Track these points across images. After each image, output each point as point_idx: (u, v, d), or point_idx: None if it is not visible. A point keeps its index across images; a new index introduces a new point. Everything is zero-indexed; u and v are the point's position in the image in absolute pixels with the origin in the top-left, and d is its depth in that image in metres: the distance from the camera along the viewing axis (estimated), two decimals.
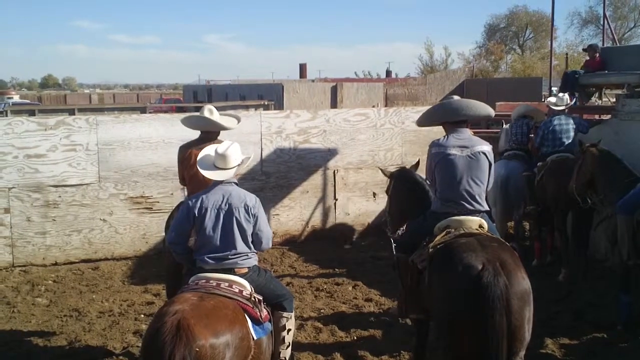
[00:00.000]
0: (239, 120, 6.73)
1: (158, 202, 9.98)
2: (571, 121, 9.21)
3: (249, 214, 4.74)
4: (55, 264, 9.45)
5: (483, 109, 5.47)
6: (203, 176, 5.20)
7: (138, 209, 9.92)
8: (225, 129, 6.36)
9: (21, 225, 9.32)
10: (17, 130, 9.26)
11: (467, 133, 5.41)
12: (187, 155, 6.14)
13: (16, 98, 45.95)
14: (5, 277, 8.93)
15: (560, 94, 9.79)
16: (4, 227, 9.23)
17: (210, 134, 6.29)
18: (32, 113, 16.06)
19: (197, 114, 6.49)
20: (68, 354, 6.41)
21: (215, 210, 4.70)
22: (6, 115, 16.04)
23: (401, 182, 6.38)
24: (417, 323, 5.75)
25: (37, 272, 9.16)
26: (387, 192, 6.78)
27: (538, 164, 9.18)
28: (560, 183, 8.53)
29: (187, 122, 6.53)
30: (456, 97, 5.61)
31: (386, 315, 7.35)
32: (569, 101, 9.54)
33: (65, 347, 6.61)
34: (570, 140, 9.05)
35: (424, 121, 5.92)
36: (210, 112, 6.31)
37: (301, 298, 8.00)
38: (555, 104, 9.41)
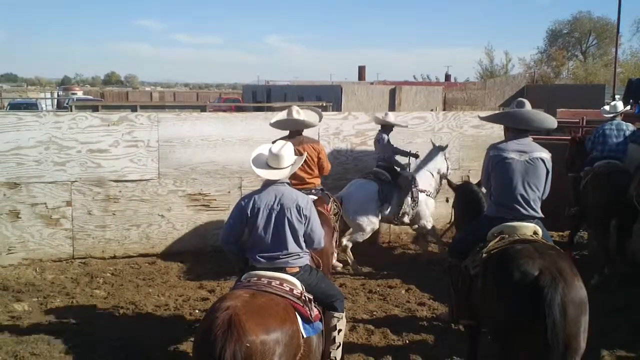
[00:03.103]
0: (320, 116, 7.71)
1: (215, 199, 10.12)
2: (624, 128, 9.01)
3: (300, 215, 4.77)
4: (114, 257, 9.67)
5: (549, 121, 5.48)
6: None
7: (195, 206, 10.08)
8: (312, 126, 7.42)
9: (82, 218, 9.56)
10: (81, 125, 9.49)
11: (528, 139, 5.38)
12: None
13: (80, 94, 47.09)
14: (65, 269, 9.18)
15: (614, 102, 9.63)
16: (66, 220, 9.48)
17: (297, 130, 7.27)
18: (95, 109, 16.40)
19: (284, 115, 7.40)
20: (124, 346, 6.54)
21: (268, 210, 4.74)
22: (70, 111, 16.48)
23: (463, 195, 6.44)
24: (468, 329, 5.71)
25: (96, 264, 9.39)
26: (453, 205, 6.88)
27: (585, 168, 9.06)
28: (602, 190, 8.50)
29: (277, 125, 7.42)
30: (527, 103, 5.52)
31: (438, 320, 7.29)
32: (621, 108, 9.35)
33: (121, 338, 6.75)
34: (620, 147, 8.92)
35: (491, 119, 6.04)
36: (298, 112, 7.24)
37: (354, 300, 8.00)
38: (607, 112, 9.33)
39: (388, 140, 9.66)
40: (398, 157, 9.95)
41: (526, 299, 4.29)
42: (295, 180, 7.07)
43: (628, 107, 9.89)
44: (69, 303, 7.86)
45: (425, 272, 9.08)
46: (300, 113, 7.17)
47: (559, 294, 4.22)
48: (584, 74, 49.73)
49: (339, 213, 8.17)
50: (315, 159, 7.51)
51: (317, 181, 7.64)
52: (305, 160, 7.10)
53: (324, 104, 22.92)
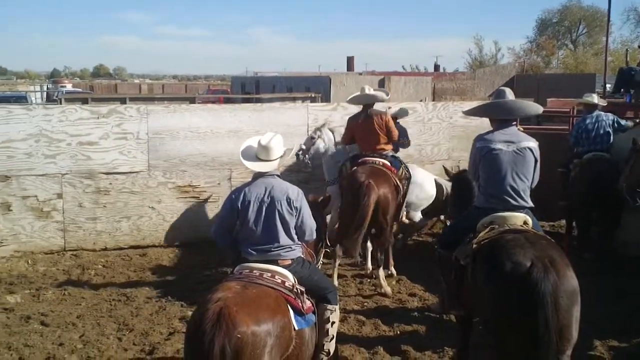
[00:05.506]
0: (387, 93, 9.59)
1: (205, 191, 10.13)
2: (604, 119, 9.15)
3: (291, 207, 4.75)
4: (105, 249, 9.68)
5: (533, 109, 5.57)
6: (366, 138, 8.50)
7: (185, 197, 10.08)
8: (381, 100, 9.05)
9: (73, 210, 9.55)
10: (71, 118, 9.48)
11: (513, 128, 5.40)
12: (355, 122, 8.74)
13: (69, 86, 46.71)
14: (57, 261, 9.19)
15: (592, 95, 9.79)
16: (57, 212, 9.47)
17: (368, 105, 8.71)
18: (85, 101, 16.34)
19: (358, 92, 8.93)
20: (117, 337, 6.58)
21: (258, 203, 4.72)
22: (60, 103, 16.41)
23: (458, 185, 6.43)
24: (460, 319, 5.73)
25: (88, 256, 9.40)
26: (449, 196, 6.87)
27: (574, 161, 9.24)
28: (590, 181, 8.72)
29: (352, 101, 9.08)
30: (508, 91, 5.53)
31: (430, 310, 7.32)
32: (597, 101, 9.57)
33: (114, 329, 6.79)
34: (605, 138, 9.13)
35: (473, 113, 6.00)
36: (369, 89, 8.86)
37: (345, 291, 8.04)
38: (587, 102, 9.61)
39: None
40: None
41: (518, 289, 4.28)
42: (369, 146, 8.55)
43: (604, 102, 10.11)
44: (61, 295, 7.89)
45: (416, 263, 9.10)
46: (370, 90, 8.82)
47: (550, 285, 4.22)
48: (574, 63, 49.63)
49: (410, 178, 8.83)
50: (384, 127, 8.56)
51: (388, 147, 8.68)
52: (375, 129, 8.50)
53: (313, 95, 22.87)
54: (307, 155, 9.40)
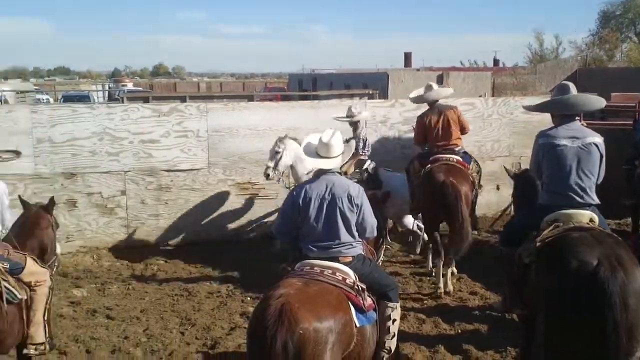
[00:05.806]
0: (451, 89, 9.46)
1: (264, 188, 10.20)
2: None
3: (352, 204, 4.71)
4: (167, 245, 9.86)
5: (596, 103, 5.45)
6: (441, 135, 8.35)
7: (245, 194, 10.18)
8: (446, 96, 9.06)
9: (136, 207, 9.77)
10: (133, 116, 9.69)
11: (577, 124, 5.25)
12: (426, 120, 8.53)
13: (130, 85, 47.67)
14: (121, 256, 9.42)
15: None
16: (121, 209, 9.70)
17: (433, 103, 8.62)
18: (146, 100, 16.64)
19: (422, 90, 8.91)
20: (180, 331, 6.71)
21: (319, 200, 4.71)
22: (122, 102, 16.77)
23: (522, 185, 6.31)
24: (523, 318, 5.62)
25: (150, 252, 9.60)
26: (512, 195, 6.74)
27: None
28: None
29: (415, 100, 9.15)
30: (571, 86, 5.40)
31: (492, 309, 7.21)
32: None
33: (177, 324, 6.92)
34: None
35: (534, 109, 5.95)
36: (435, 85, 8.79)
37: (404, 288, 7.99)
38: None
39: None
40: None
41: (584, 288, 4.17)
42: (443, 142, 8.41)
43: None
44: (125, 289, 8.09)
45: (477, 261, 8.97)
46: (435, 86, 8.77)
47: (618, 284, 4.10)
48: (639, 56, 48.28)
49: (480, 171, 9.06)
50: (458, 121, 8.57)
51: (460, 142, 8.61)
52: (451, 124, 8.43)
53: (371, 92, 22.73)
54: (276, 172, 9.13)
